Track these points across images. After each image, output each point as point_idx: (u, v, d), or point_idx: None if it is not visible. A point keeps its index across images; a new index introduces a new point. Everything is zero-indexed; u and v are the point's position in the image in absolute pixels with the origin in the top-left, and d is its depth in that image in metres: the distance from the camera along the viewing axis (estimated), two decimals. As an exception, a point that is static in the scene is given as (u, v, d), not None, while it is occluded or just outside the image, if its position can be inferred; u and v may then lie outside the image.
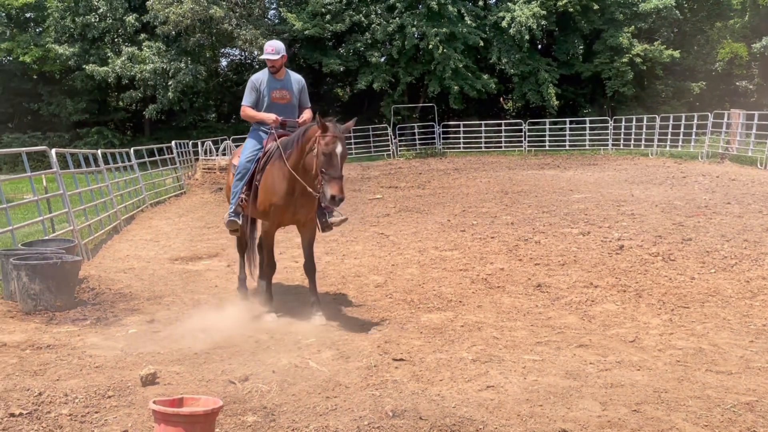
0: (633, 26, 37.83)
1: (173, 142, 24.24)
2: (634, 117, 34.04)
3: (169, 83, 34.71)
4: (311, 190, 6.62)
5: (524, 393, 4.87)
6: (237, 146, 29.96)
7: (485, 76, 37.71)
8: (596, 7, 36.85)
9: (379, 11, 36.46)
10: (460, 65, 35.89)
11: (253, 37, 34.95)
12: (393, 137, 35.97)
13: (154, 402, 3.88)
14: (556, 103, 37.58)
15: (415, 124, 38.41)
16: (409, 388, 5.04)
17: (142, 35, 35.98)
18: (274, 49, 7.21)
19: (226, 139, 30.39)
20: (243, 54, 42.09)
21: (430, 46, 34.99)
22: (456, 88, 36.23)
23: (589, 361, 5.51)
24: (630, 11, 37.97)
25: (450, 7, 34.96)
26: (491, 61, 37.76)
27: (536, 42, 40.34)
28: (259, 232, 7.93)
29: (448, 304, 7.53)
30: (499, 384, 5.06)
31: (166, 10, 33.23)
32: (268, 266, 7.33)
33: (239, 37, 35.38)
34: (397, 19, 35.67)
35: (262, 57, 7.29)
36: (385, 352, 5.86)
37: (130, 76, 34.82)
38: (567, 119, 36.91)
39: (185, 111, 38.43)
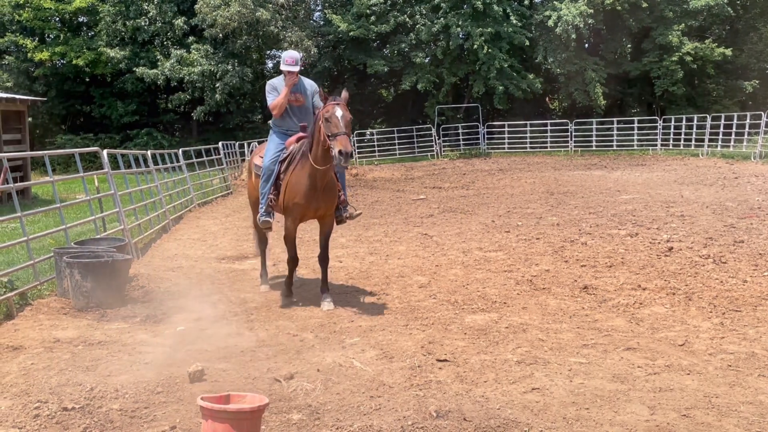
0: (683, 24, 36.99)
1: (220, 143, 24.60)
2: (684, 116, 33.31)
3: (217, 85, 35.23)
4: (329, 167, 7.24)
5: (570, 396, 4.81)
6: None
7: (531, 76, 37.36)
8: (645, 4, 36.16)
9: (424, 11, 36.45)
10: (505, 65, 35.63)
11: (299, 39, 35.24)
12: (437, 138, 35.90)
13: (202, 398, 3.94)
14: (603, 102, 37.01)
15: (459, 125, 38.23)
16: (453, 388, 5.03)
17: (191, 38, 36.59)
18: (294, 60, 7.66)
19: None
20: (289, 56, 42.41)
21: (475, 46, 34.82)
22: (501, 88, 35.98)
23: (637, 365, 5.42)
24: (680, 9, 37.15)
25: (495, 7, 34.73)
26: (537, 61, 37.41)
27: (583, 41, 39.74)
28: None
29: (493, 306, 7.48)
30: (545, 386, 5.01)
31: (214, 13, 33.74)
32: (291, 260, 7.89)
33: (285, 39, 35.69)
34: (442, 19, 35.60)
35: (284, 68, 7.66)
36: (429, 353, 5.86)
37: (178, 79, 35.45)
38: (614, 119, 36.30)
39: (232, 112, 38.96)
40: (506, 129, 36.60)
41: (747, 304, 7.11)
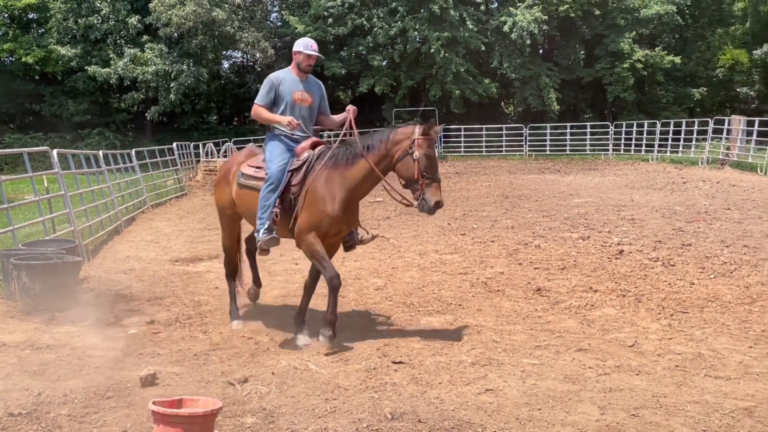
0: (634, 32, 37.87)
1: (174, 144, 24.26)
2: (634, 122, 34.07)
3: (171, 85, 34.77)
4: (401, 198, 6.25)
5: (523, 397, 4.87)
6: (239, 148, 30.12)
7: (486, 81, 37.79)
8: (597, 12, 36.92)
9: (381, 15, 36.58)
10: (462, 69, 35.97)
11: (255, 40, 35.04)
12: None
13: (153, 403, 3.89)
14: (557, 107, 37.63)
15: (416, 128, 38.39)
16: (408, 390, 5.05)
17: (145, 37, 36.05)
18: (314, 46, 6.66)
19: (227, 141, 30.47)
20: (245, 56, 42.15)
21: (432, 50, 35.07)
22: (457, 92, 36.31)
23: (588, 366, 5.51)
24: (631, 17, 38.02)
25: (452, 12, 35.04)
26: (492, 66, 37.84)
27: (537, 47, 40.42)
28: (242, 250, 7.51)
29: (448, 308, 7.53)
30: (498, 387, 5.07)
31: (169, 12, 33.31)
32: (336, 277, 6.34)
33: (241, 39, 35.47)
34: (399, 23, 35.77)
35: (307, 52, 6.55)
36: (385, 355, 5.87)
37: (132, 78, 34.89)
38: (568, 124, 36.94)
39: (187, 113, 38.51)
40: (462, 133, 36.90)
41: (694, 305, 7.30)
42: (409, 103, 39.72)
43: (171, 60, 34.95)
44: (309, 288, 6.77)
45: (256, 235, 6.46)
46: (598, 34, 38.40)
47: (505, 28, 36.11)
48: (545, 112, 38.91)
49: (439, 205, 6.05)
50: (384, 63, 37.78)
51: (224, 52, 40.67)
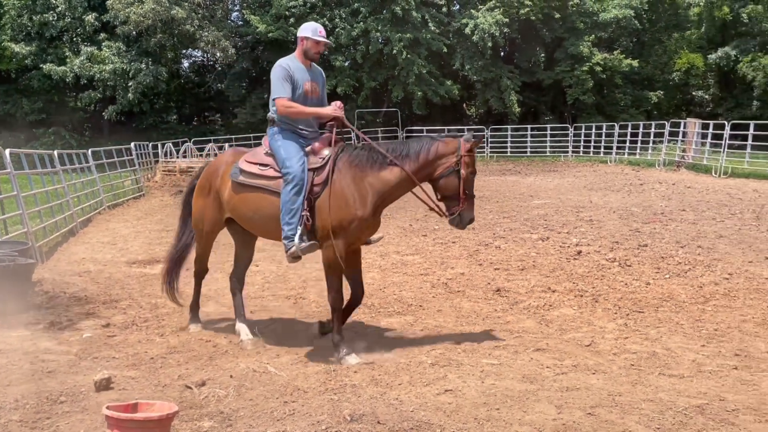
0: (593, 35, 38.49)
1: (132, 144, 23.88)
2: (593, 125, 34.61)
3: (129, 84, 34.23)
4: (439, 210, 6.06)
5: (482, 397, 4.90)
6: (200, 149, 29.85)
7: (448, 82, 38.01)
8: (557, 15, 37.42)
9: (344, 15, 36.53)
10: (424, 71, 36.13)
11: (216, 39, 34.70)
12: (356, 142, 35.84)
13: (108, 407, 3.82)
14: (518, 110, 38.05)
15: (378, 129, 38.49)
16: (368, 392, 5.04)
17: (102, 35, 35.45)
18: (323, 32, 6.17)
19: (187, 142, 30.12)
20: (205, 56, 41.73)
21: (394, 52, 35.15)
22: (419, 93, 36.46)
23: (546, 365, 5.57)
24: (590, 20, 38.63)
25: (414, 13, 35.17)
26: (454, 67, 38.09)
27: (499, 49, 40.81)
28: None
29: (409, 309, 7.55)
30: (458, 388, 5.08)
31: (127, 10, 32.80)
32: (340, 298, 6.08)
33: (201, 38, 35.08)
34: (362, 23, 35.78)
35: (316, 38, 6.08)
36: (345, 356, 5.85)
37: (88, 76, 34.25)
38: (528, 126, 37.38)
39: (145, 112, 37.95)
40: (425, 134, 37.01)
41: (649, 305, 7.43)
42: (371, 104, 39.77)
43: (129, 58, 34.41)
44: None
45: (285, 242, 5.84)
46: (558, 37, 38.93)
47: (467, 30, 36.37)
48: (506, 114, 39.31)
49: (472, 221, 5.99)
50: (346, 63, 37.75)
51: (184, 51, 40.22)
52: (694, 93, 43.60)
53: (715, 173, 23.49)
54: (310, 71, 6.20)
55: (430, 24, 36.23)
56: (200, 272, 6.97)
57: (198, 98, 41.97)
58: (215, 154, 28.41)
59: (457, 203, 5.87)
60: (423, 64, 36.14)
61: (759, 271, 8.75)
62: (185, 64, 43.16)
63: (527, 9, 36.54)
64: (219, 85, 40.58)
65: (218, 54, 37.38)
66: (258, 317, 7.23)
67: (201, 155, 28.09)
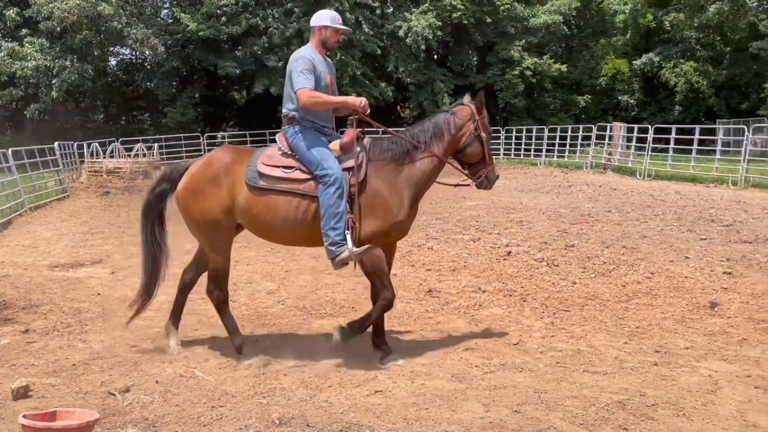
0: (524, 40, 39.28)
1: (56, 144, 23.06)
2: (524, 128, 35.29)
3: (53, 82, 33.02)
4: (464, 180, 6.13)
5: (411, 397, 4.93)
6: (128, 149, 29.05)
7: (382, 84, 38.15)
8: (489, 20, 38.04)
9: (277, 15, 36.18)
10: (358, 72, 36.14)
11: (145, 37, 33.83)
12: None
13: (24, 416, 3.68)
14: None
15: (312, 130, 38.33)
16: (298, 395, 5.00)
17: (24, 30, 34.07)
18: (339, 19, 5.89)
19: (114, 142, 29.32)
20: (134, 53, 40.69)
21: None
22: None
23: (475, 364, 5.64)
24: (521, 25, 39.42)
25: (348, 15, 35.10)
26: (388, 70, 38.25)
27: (432, 52, 41.20)
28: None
29: (341, 310, 7.53)
30: (387, 388, 5.10)
31: (51, 5, 31.63)
32: (390, 293, 5.84)
33: (129, 36, 34.15)
34: (295, 23, 35.51)
35: (336, 26, 5.78)
36: (275, 360, 5.79)
37: (9, 73, 32.89)
38: (461, 128, 37.78)
39: (70, 111, 36.72)
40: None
41: (575, 304, 7.61)
42: (305, 105, 39.51)
43: (53, 55, 33.19)
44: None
45: (333, 249, 5.48)
46: (489, 41, 39.58)
47: (401, 33, 36.59)
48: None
49: (497, 178, 6.07)
50: (280, 64, 37.35)
51: (111, 49, 39.06)
52: (620, 97, 44.97)
53: (640, 175, 24.30)
54: (327, 63, 5.90)
55: (364, 26, 36.28)
56: (225, 298, 5.99)
57: (126, 97, 40.86)
58: (144, 155, 27.74)
59: (484, 165, 5.95)
60: (357, 66, 36.16)
61: (679, 270, 9.08)
62: (113, 61, 41.96)
63: (459, 13, 37.02)
64: (148, 83, 39.59)
65: (147, 52, 36.48)
66: (187, 321, 7.07)
67: (129, 155, 27.35)
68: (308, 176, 5.61)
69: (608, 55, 43.53)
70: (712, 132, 30.02)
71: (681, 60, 40.89)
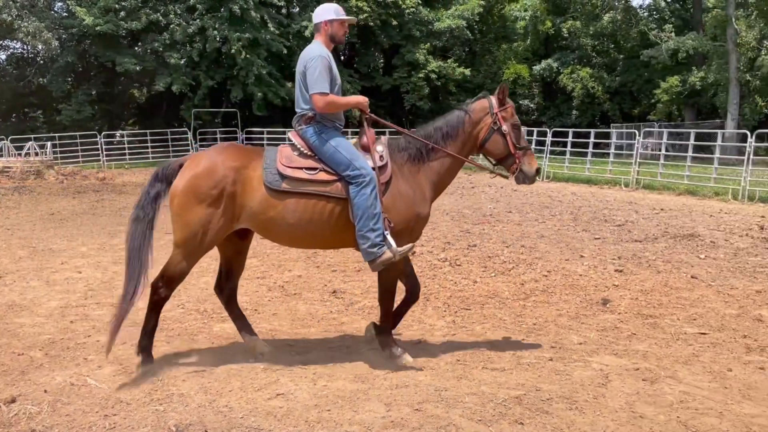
0: (429, 43, 39.87)
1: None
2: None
3: (-65, 75, 31.03)
4: (499, 172, 5.96)
5: (313, 399, 4.90)
6: (18, 147, 27.51)
7: (290, 84, 37.79)
8: (395, 23, 38.37)
9: (179, 11, 35.22)
10: (264, 72, 35.66)
11: (37, 30, 32.23)
12: (194, 142, 34.91)
13: None
14: (357, 113, 38.52)
15: (217, 129, 37.60)
16: (196, 400, 4.88)
17: None
18: (342, 10, 5.69)
19: (3, 140, 27.85)
20: (25, 48, 38.71)
21: (233, 51, 34.41)
22: (260, 94, 35.92)
23: (378, 364, 5.67)
24: (426, 29, 39.97)
25: (253, 13, 34.61)
26: (295, 70, 37.92)
27: (339, 53, 41.16)
28: None
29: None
30: (289, 391, 5.05)
31: (-69, -6, 29.75)
32: (392, 298, 5.80)
33: (20, 29, 32.46)
34: (198, 21, 34.67)
35: (342, 18, 5.61)
36: (173, 365, 5.64)
37: None
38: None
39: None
40: (265, 135, 36.62)
41: (476, 302, 7.78)
42: (209, 104, 38.73)
43: (-65, 47, 31.19)
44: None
45: (374, 251, 5.30)
46: (395, 43, 39.94)
47: (307, 33, 36.34)
48: (347, 117, 39.65)
49: (538, 171, 5.79)
50: (182, 61, 36.44)
51: (0, 42, 37.04)
52: (521, 101, 46.35)
53: (539, 177, 25.12)
54: (332, 58, 5.69)
55: (269, 25, 35.82)
56: (167, 298, 5.76)
57: (17, 93, 38.79)
58: (36, 153, 26.42)
59: (513, 160, 5.72)
60: (263, 65, 35.67)
61: (574, 268, 9.44)
62: (2, 56, 39.82)
63: (365, 15, 37.15)
64: (41, 79, 37.71)
65: (40, 46, 34.79)
66: (80, 327, 6.80)
67: (20, 154, 25.99)
68: (334, 177, 5.42)
69: (510, 60, 44.85)
70: (607, 136, 31.37)
71: (578, 66, 42.61)
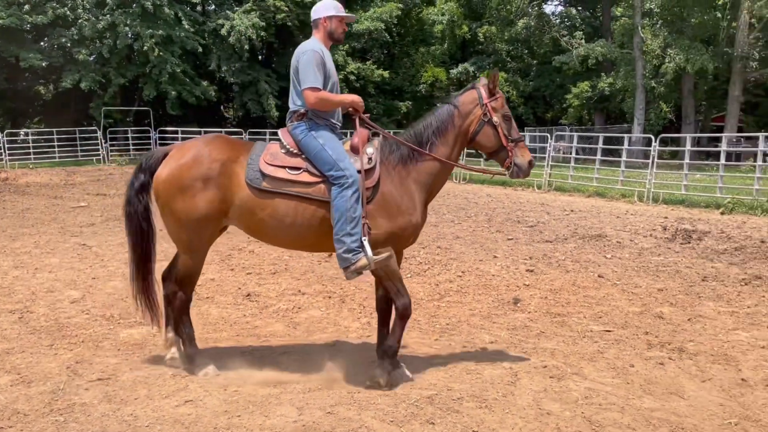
0: (348, 45, 39.86)
1: None
2: (349, 131, 35.77)
3: None
4: (497, 173, 5.64)
5: (223, 405, 4.79)
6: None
7: (205, 83, 37.07)
8: (313, 23, 38.17)
9: (88, 6, 33.95)
10: (178, 70, 34.81)
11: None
12: (104, 141, 33.72)
13: None
14: (277, 114, 38.21)
15: (129, 129, 36.46)
16: (100, 410, 4.69)
17: None
18: (341, 6, 5.47)
19: None
20: None
21: (145, 48, 33.44)
22: (173, 93, 35.06)
23: (291, 368, 5.60)
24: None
25: (166, 9, 33.74)
26: (210, 68, 37.23)
27: (257, 53, 40.67)
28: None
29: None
30: (199, 398, 4.93)
31: None
32: (409, 302, 5.38)
33: None
34: (108, 16, 33.51)
35: (342, 14, 5.43)
36: (76, 374, 5.41)
37: None
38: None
39: None
40: (180, 135, 35.75)
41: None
42: (121, 102, 37.52)
43: None
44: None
45: (349, 256, 5.01)
46: (314, 44, 39.74)
47: (223, 32, 35.73)
48: (265, 118, 39.30)
49: (532, 163, 5.43)
50: (91, 58, 35.17)
51: None
52: (438, 105, 46.96)
53: (456, 179, 25.51)
54: (332, 57, 5.48)
55: (183, 22, 34.98)
56: (188, 300, 5.62)
57: None
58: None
59: (506, 153, 5.40)
60: (177, 63, 34.80)
61: (487, 268, 9.62)
62: None
63: (284, 14, 36.84)
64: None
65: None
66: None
67: None
68: (318, 179, 5.17)
69: (428, 63, 45.36)
70: (521, 139, 32.12)
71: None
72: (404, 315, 5.27)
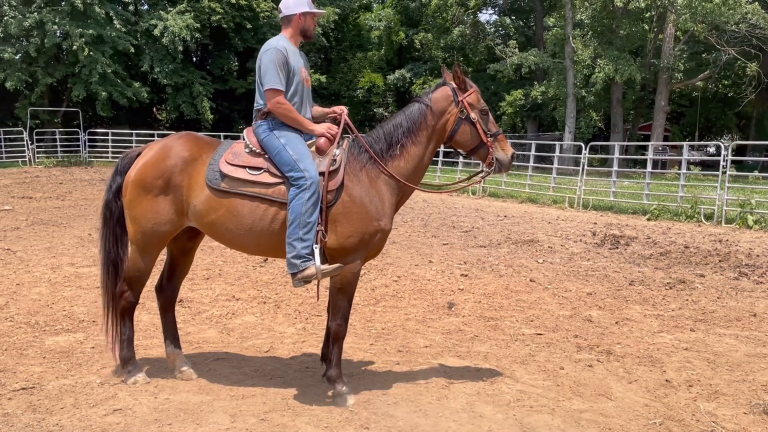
0: (284, 48, 39.69)
1: None
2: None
3: None
4: (482, 177, 5.33)
5: (154, 413, 4.69)
6: None
7: (137, 84, 36.26)
8: (249, 26, 37.87)
9: (14, 3, 32.78)
10: (109, 70, 33.97)
11: None
12: (30, 143, 32.57)
13: None
14: (212, 116, 37.70)
15: (56, 130, 35.32)
16: (23, 420, 4.53)
17: None
18: (312, 3, 5.20)
19: None
20: None
21: (75, 47, 32.49)
22: (104, 94, 34.17)
23: (224, 374, 5.53)
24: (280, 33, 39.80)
25: (97, 8, 32.88)
26: (143, 69, 36.46)
27: (191, 54, 40.06)
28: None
29: (80, 325, 6.97)
30: (128, 406, 4.81)
31: None
32: (346, 324, 5.17)
33: None
34: (36, 14, 32.43)
35: (315, 10, 5.20)
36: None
37: None
38: (221, 133, 37.17)
39: None
40: (110, 137, 34.87)
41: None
42: (48, 102, 36.36)
43: None
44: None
45: (297, 263, 4.77)
46: (250, 47, 39.41)
47: (156, 32, 35.06)
48: (199, 120, 38.71)
49: (513, 156, 5.16)
50: (17, 56, 33.95)
51: None
52: (375, 110, 47.23)
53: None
54: (301, 55, 5.25)
55: (115, 21, 34.14)
56: (135, 302, 5.40)
57: None
58: None
59: (486, 149, 5.12)
60: (108, 63, 33.94)
61: (423, 273, 9.70)
62: None
63: (219, 16, 36.40)
64: None
65: None
66: None
67: None
68: (279, 180, 4.92)
69: (365, 68, 45.56)
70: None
71: (430, 77, 44.01)
72: (337, 337, 5.12)
